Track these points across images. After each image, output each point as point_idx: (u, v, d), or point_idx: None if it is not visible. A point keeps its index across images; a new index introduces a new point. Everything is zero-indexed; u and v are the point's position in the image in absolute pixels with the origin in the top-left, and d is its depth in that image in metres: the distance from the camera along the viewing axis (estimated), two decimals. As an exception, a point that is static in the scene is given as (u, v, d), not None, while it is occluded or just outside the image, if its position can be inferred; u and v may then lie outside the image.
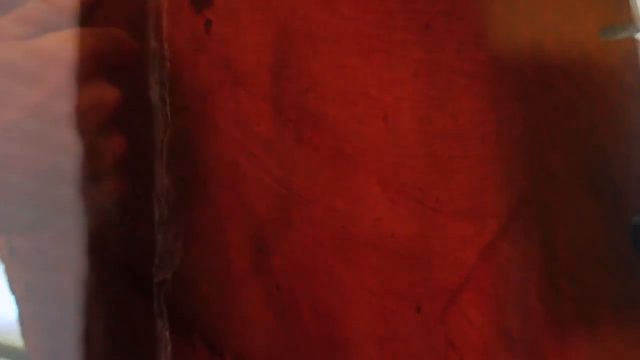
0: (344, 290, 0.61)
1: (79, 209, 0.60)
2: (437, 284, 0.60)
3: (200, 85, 0.66)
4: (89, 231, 0.64)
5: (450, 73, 0.61)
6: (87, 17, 0.64)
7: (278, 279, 0.63)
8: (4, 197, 0.56)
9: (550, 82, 0.62)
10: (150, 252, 0.67)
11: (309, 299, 0.62)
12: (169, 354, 0.66)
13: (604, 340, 0.60)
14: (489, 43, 0.61)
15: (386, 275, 0.60)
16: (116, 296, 0.72)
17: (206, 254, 0.67)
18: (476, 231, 0.60)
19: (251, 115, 0.64)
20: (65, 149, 0.58)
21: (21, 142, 0.56)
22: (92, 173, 0.60)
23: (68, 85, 0.58)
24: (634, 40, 0.62)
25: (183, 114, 0.67)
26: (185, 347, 0.67)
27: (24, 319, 0.73)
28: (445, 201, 0.61)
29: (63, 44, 0.59)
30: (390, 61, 0.61)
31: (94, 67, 0.60)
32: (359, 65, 0.61)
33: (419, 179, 0.61)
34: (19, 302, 0.72)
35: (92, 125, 0.59)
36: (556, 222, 0.61)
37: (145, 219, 0.68)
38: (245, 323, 0.65)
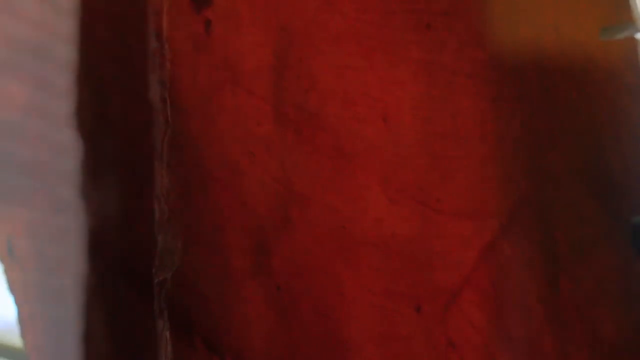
0: (344, 290, 0.61)
1: (79, 208, 0.60)
2: (438, 284, 0.60)
3: (200, 85, 0.66)
4: (89, 231, 0.64)
5: (450, 73, 0.61)
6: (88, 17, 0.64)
7: (278, 279, 0.63)
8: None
9: (550, 82, 0.62)
10: (150, 252, 0.67)
11: (309, 299, 0.62)
12: (169, 354, 0.66)
13: (604, 340, 0.60)
14: (489, 43, 0.62)
15: (386, 275, 0.60)
16: (116, 296, 0.72)
17: (206, 254, 0.67)
18: (476, 231, 0.60)
19: (251, 115, 0.64)
20: (65, 149, 0.58)
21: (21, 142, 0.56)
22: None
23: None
24: (634, 40, 0.62)
25: (183, 114, 0.67)
26: (185, 347, 0.67)
27: (23, 319, 0.73)
28: (446, 201, 0.61)
29: None
30: (391, 61, 0.61)
31: None
32: (359, 65, 0.62)
33: (419, 179, 0.61)
34: (19, 302, 0.72)
35: None
36: (556, 222, 0.61)
37: (145, 219, 0.68)
38: (245, 323, 0.65)
